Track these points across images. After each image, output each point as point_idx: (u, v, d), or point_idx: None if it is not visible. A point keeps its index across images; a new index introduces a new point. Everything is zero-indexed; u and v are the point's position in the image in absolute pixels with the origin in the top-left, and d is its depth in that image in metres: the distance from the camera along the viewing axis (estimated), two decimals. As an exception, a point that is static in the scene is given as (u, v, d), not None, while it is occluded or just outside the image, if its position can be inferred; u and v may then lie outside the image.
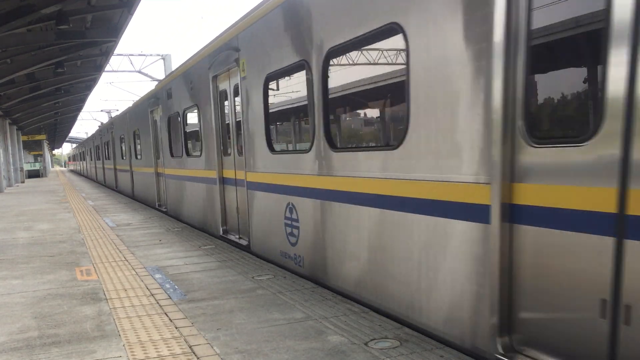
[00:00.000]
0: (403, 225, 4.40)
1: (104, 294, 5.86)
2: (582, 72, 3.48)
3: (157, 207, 14.96)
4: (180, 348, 4.14)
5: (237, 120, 8.12)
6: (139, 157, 17.30)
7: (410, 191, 4.28)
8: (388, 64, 4.82)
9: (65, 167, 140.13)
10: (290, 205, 6.39)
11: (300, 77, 5.97)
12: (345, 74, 5.40)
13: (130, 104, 23.05)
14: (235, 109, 8.22)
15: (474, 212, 3.67)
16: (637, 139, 2.73)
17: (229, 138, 8.59)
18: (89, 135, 43.96)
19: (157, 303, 5.40)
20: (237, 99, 7.92)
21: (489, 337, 3.62)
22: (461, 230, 3.81)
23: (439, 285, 4.06)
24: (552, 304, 3.25)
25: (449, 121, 3.82)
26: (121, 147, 21.09)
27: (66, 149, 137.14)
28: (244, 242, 8.18)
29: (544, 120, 3.50)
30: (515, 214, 3.42)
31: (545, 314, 3.31)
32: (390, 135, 5.32)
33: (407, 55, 4.14)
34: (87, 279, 6.62)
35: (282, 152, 6.72)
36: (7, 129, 31.29)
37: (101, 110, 55.98)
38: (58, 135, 69.23)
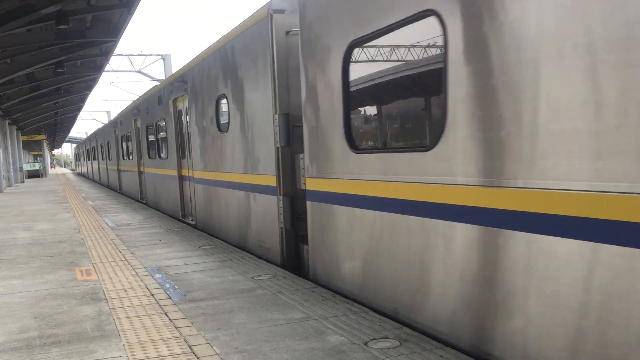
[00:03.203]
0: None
1: (104, 294, 5.86)
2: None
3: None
4: (180, 348, 4.14)
5: None
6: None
7: None
8: None
9: (65, 167, 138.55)
10: None
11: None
12: None
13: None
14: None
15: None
16: None
17: None
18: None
19: (157, 303, 5.41)
20: None
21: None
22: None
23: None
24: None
25: None
26: None
27: (66, 149, 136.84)
28: None
29: None
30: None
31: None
32: None
33: None
34: (87, 279, 6.62)
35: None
36: (7, 129, 31.29)
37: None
38: (58, 135, 69.27)
